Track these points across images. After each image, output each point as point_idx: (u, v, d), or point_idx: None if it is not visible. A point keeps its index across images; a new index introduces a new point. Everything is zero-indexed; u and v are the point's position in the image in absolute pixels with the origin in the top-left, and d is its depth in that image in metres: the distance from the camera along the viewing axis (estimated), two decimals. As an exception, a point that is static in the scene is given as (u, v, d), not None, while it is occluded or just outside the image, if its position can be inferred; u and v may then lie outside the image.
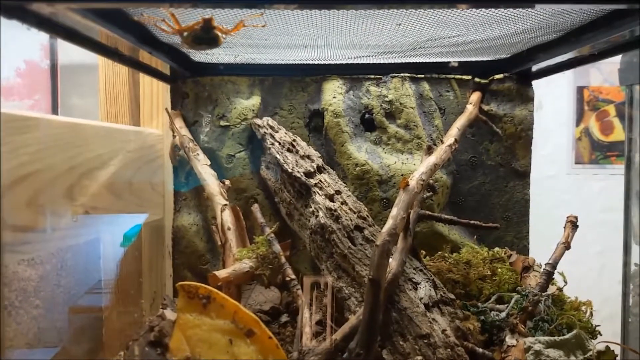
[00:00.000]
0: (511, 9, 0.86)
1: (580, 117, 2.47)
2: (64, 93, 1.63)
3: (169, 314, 0.96)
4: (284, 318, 1.09)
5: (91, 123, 1.13)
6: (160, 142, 1.37)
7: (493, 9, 0.85)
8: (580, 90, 2.46)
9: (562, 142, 2.50)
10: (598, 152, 2.47)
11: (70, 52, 1.61)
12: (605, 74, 2.43)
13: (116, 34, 0.89)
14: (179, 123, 1.26)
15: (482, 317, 0.96)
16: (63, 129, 1.01)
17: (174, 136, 1.27)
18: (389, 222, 0.91)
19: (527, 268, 1.11)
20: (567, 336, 0.87)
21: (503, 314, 0.96)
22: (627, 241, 1.41)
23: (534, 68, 1.26)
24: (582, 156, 2.47)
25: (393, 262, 0.95)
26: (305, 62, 1.28)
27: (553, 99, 2.47)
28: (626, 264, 1.40)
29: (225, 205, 1.15)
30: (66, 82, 1.63)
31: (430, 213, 1.09)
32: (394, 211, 0.93)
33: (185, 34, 0.83)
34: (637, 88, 1.38)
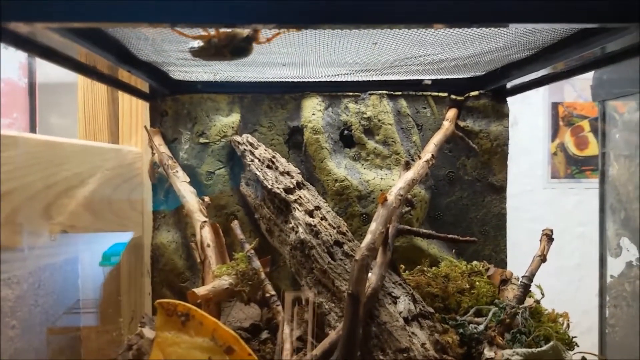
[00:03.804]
0: (484, 28, 0.88)
1: (555, 132, 2.52)
2: (42, 111, 1.62)
3: (148, 332, 0.95)
4: (264, 335, 1.09)
5: (69, 141, 1.13)
6: (139, 159, 1.37)
7: (467, 29, 0.87)
8: (555, 106, 2.51)
9: (538, 157, 2.55)
10: (573, 166, 2.51)
11: (49, 71, 1.61)
12: (578, 90, 2.48)
13: (95, 52, 0.90)
14: (157, 140, 1.26)
15: (461, 330, 0.97)
16: (41, 147, 1.01)
17: (153, 154, 1.27)
18: (368, 237, 0.92)
19: (505, 281, 1.13)
20: (544, 348, 0.89)
21: (481, 327, 0.97)
22: (602, 253, 1.43)
23: (509, 85, 1.28)
24: (558, 171, 2.51)
25: (372, 277, 0.95)
26: (284, 79, 1.29)
27: (529, 115, 2.52)
28: (602, 276, 1.42)
29: (205, 222, 1.15)
30: (45, 101, 1.63)
31: (408, 227, 1.10)
32: (373, 226, 0.94)
33: (215, 41, 0.81)
34: (609, 104, 1.41)
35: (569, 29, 0.88)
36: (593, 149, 2.47)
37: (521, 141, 2.46)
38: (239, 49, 0.82)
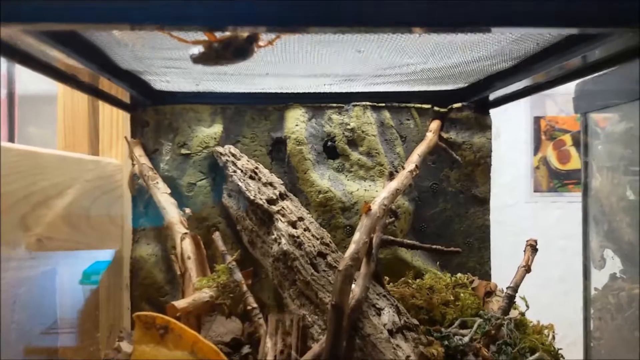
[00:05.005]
0: (467, 37, 0.88)
1: (537, 146, 2.54)
2: (21, 123, 1.59)
3: (125, 347, 0.92)
4: (246, 349, 1.06)
5: (48, 151, 1.11)
6: (119, 172, 1.35)
7: (450, 37, 0.87)
8: (537, 120, 2.54)
9: (520, 170, 2.56)
10: (556, 180, 2.53)
11: (28, 83, 1.59)
12: (560, 104, 2.51)
13: (74, 58, 0.88)
14: (138, 151, 1.24)
15: (446, 342, 0.96)
16: (19, 156, 0.99)
17: (133, 165, 1.25)
18: (352, 247, 0.90)
19: (490, 293, 1.12)
20: (530, 359, 0.87)
21: (466, 339, 0.96)
22: (586, 265, 1.42)
23: (491, 97, 1.29)
24: (541, 184, 2.53)
25: (356, 288, 0.94)
26: (267, 90, 1.28)
27: (511, 129, 2.54)
28: (586, 288, 1.42)
29: (186, 233, 1.13)
30: (24, 112, 1.60)
31: (392, 238, 1.09)
32: (356, 236, 0.93)
33: (216, 44, 0.78)
34: (592, 116, 1.42)
35: (552, 37, 0.88)
36: (575, 162, 2.49)
37: (504, 155, 2.48)
38: (240, 50, 0.79)
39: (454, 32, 0.81)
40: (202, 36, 0.78)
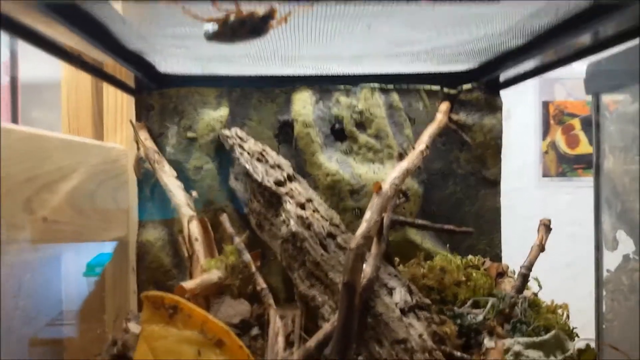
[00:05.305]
0: (479, 10, 0.86)
1: (546, 131, 2.52)
2: (24, 109, 1.58)
3: (133, 327, 0.91)
4: (255, 331, 1.05)
5: (51, 134, 1.09)
6: (124, 156, 1.33)
7: (461, 10, 0.85)
8: (545, 104, 2.51)
9: (529, 155, 2.54)
10: (565, 164, 2.50)
11: (31, 69, 1.57)
12: (568, 88, 2.48)
13: (78, 36, 0.86)
14: (143, 135, 1.23)
15: (459, 321, 0.94)
16: (22, 139, 0.97)
17: (138, 148, 1.23)
18: (363, 225, 0.89)
19: (502, 274, 1.10)
20: (546, 337, 0.86)
21: (480, 317, 0.94)
22: (599, 247, 1.41)
23: (502, 77, 1.26)
24: (550, 169, 2.51)
25: (367, 268, 0.92)
26: (274, 73, 1.26)
27: (520, 113, 2.51)
28: (598, 269, 1.40)
29: (193, 216, 1.12)
30: (27, 99, 1.59)
31: (403, 218, 1.07)
32: (368, 214, 0.91)
33: (232, 19, 0.76)
34: (603, 96, 1.40)
35: (563, 13, 0.86)
36: (584, 147, 2.47)
37: (512, 140, 2.46)
38: (256, 27, 0.77)
39: (462, 1, 0.80)
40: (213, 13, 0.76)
